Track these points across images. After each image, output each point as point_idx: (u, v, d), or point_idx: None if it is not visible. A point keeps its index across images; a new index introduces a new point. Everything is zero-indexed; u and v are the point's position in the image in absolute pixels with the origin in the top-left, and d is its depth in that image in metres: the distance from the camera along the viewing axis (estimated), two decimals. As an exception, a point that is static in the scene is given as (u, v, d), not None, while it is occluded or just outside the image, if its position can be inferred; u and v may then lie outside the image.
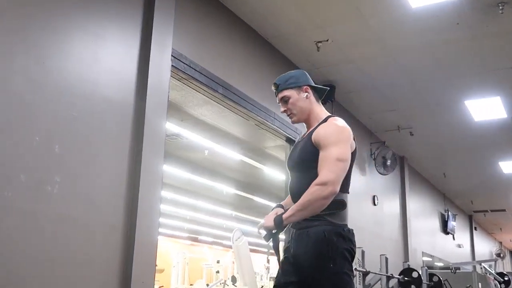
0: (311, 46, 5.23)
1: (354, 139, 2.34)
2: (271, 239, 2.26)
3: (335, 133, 2.26)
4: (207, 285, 10.87)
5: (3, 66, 2.66)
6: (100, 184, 3.12)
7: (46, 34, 2.90)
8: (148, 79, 3.47)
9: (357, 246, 2.35)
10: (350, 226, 2.31)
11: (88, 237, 3.00)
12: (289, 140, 5.58)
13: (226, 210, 13.60)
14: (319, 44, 5.15)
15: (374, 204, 7.77)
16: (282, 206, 2.44)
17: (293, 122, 2.50)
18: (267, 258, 14.27)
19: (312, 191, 2.14)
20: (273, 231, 2.24)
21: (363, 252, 5.47)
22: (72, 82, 3.03)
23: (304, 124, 2.51)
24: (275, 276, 2.58)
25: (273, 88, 2.51)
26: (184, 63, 3.92)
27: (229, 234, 12.66)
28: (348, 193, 2.34)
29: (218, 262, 13.80)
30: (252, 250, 12.66)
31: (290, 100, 2.42)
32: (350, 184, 2.34)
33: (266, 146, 7.73)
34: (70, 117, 2.98)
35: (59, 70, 2.96)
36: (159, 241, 3.46)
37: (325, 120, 2.38)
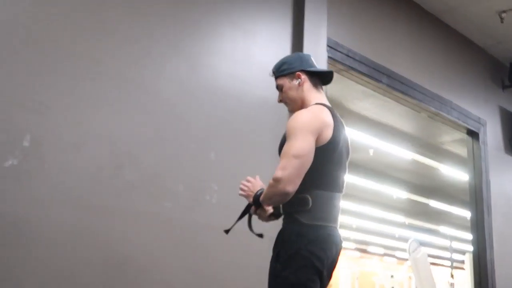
0: (493, 17, 4.96)
1: (337, 128, 2.25)
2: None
3: (299, 123, 2.21)
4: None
5: (155, 74, 2.92)
6: (258, 191, 3.25)
7: (195, 33, 3.13)
8: (303, 74, 3.54)
9: None
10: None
11: (248, 251, 3.14)
12: (471, 133, 5.30)
13: (397, 217, 13.34)
14: (503, 15, 4.89)
15: None
16: None
17: (290, 112, 2.48)
18: (451, 272, 13.63)
19: (269, 185, 2.23)
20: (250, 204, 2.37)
21: None
22: (224, 83, 3.22)
23: None
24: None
25: (271, 75, 2.52)
26: (342, 53, 3.94)
27: (402, 245, 12.31)
28: (331, 191, 2.26)
29: (392, 277, 13.57)
30: (432, 263, 12.22)
31: (283, 89, 2.42)
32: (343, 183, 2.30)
33: (443, 141, 7.54)
34: (223, 120, 3.18)
35: (209, 70, 3.17)
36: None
37: None
